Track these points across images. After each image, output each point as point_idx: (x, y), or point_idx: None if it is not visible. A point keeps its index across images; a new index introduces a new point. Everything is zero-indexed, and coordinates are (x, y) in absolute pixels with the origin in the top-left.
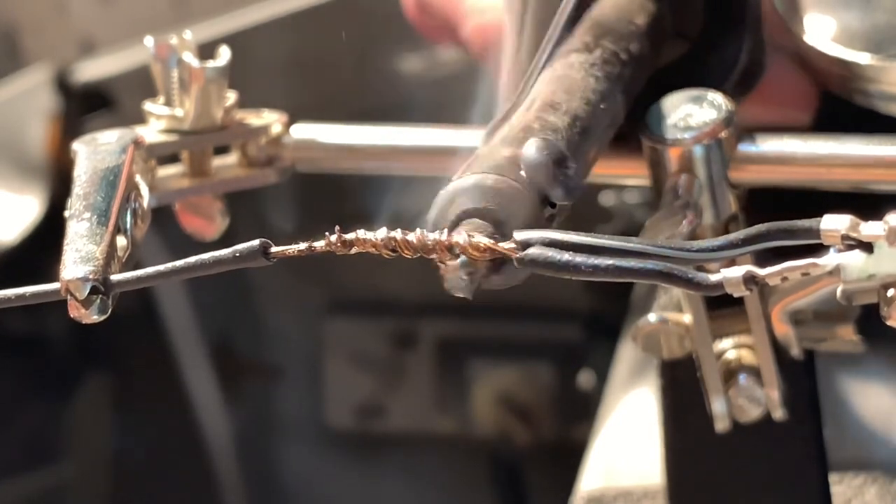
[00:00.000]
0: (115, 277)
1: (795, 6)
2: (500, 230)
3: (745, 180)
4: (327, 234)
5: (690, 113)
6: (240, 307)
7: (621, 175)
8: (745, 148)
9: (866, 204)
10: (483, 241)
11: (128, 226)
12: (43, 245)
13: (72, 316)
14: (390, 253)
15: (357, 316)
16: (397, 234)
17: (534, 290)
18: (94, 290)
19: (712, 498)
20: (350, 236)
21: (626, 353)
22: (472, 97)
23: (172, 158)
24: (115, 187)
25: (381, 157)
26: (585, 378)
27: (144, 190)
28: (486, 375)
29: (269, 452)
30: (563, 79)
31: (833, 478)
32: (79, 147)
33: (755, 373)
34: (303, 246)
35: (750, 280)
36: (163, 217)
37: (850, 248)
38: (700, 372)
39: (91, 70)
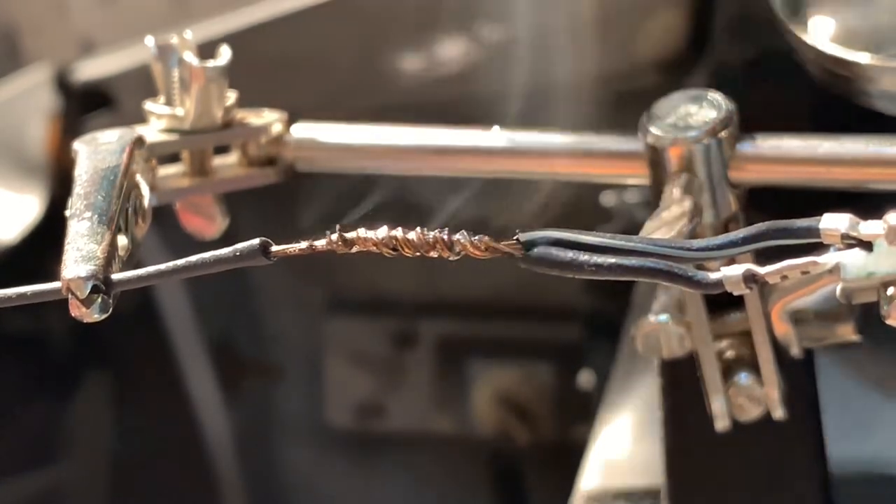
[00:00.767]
0: (115, 276)
1: (795, 6)
2: None
3: (745, 180)
4: (328, 232)
5: (690, 112)
6: (240, 306)
7: (621, 175)
8: (745, 148)
9: (865, 203)
10: (484, 239)
11: (128, 225)
12: (43, 245)
13: (73, 315)
14: (391, 252)
15: (357, 315)
16: (398, 232)
17: (534, 289)
18: (94, 290)
19: (712, 498)
20: (351, 235)
21: (626, 353)
22: (472, 97)
23: (173, 158)
24: (116, 187)
25: (380, 157)
26: (585, 378)
27: (145, 189)
28: (486, 375)
29: (269, 452)
30: None
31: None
32: (79, 146)
33: (755, 372)
34: (303, 245)
35: (750, 278)
36: (163, 216)
37: (850, 246)
38: (700, 371)
39: (91, 70)
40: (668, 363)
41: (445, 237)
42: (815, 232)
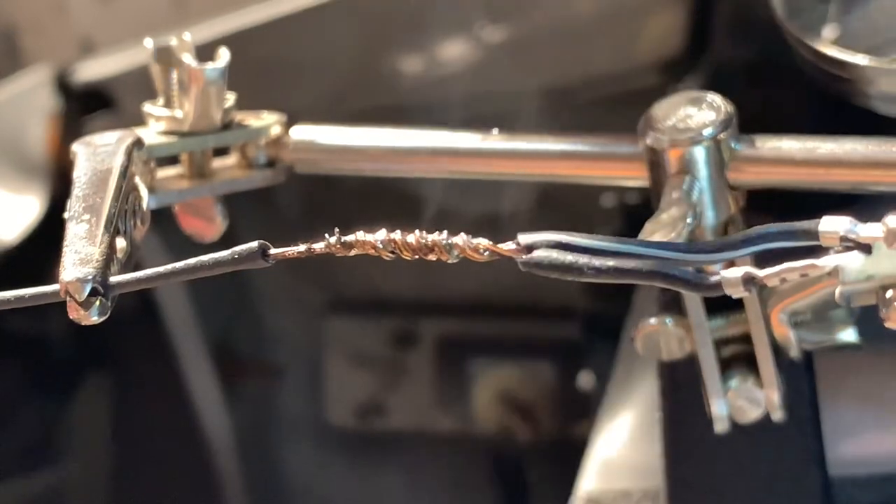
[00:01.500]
0: (114, 279)
1: (795, 7)
2: None
3: (744, 182)
4: (327, 235)
5: (689, 114)
6: (240, 306)
7: (621, 176)
8: (744, 149)
9: (865, 205)
10: (483, 242)
11: (127, 227)
12: (43, 245)
13: (71, 317)
14: (389, 254)
15: (357, 315)
16: (397, 235)
17: (534, 289)
18: (93, 292)
19: (712, 498)
20: (350, 238)
21: (626, 353)
22: (472, 98)
23: (172, 160)
24: (115, 189)
25: (380, 159)
26: (585, 378)
27: (144, 191)
28: (487, 374)
29: (270, 451)
30: None
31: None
32: (78, 148)
33: (755, 374)
34: (302, 248)
35: (749, 281)
36: (163, 218)
37: (849, 249)
38: (699, 373)
39: (91, 70)
40: (668, 365)
41: (444, 240)
42: (814, 234)
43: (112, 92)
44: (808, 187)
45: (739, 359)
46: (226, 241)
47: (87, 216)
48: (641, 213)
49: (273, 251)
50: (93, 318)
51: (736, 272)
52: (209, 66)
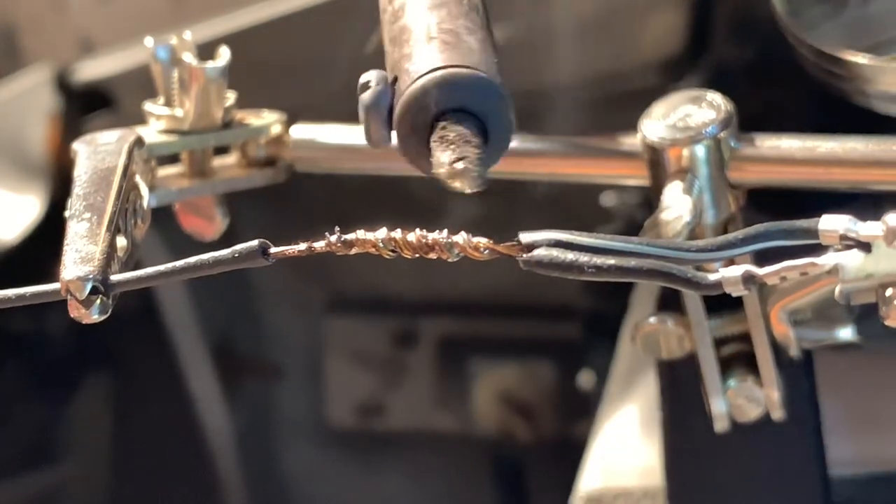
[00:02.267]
0: (114, 278)
1: (795, 6)
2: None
3: (744, 180)
4: (327, 234)
5: (689, 113)
6: (240, 306)
7: (621, 175)
8: (744, 148)
9: (864, 204)
10: (484, 241)
11: (128, 226)
12: (43, 245)
13: (72, 316)
14: (390, 253)
15: (357, 314)
16: (397, 233)
17: (534, 289)
18: (94, 291)
19: (712, 498)
20: (350, 236)
21: (626, 353)
22: None
23: (172, 158)
24: (115, 188)
25: (379, 158)
26: (585, 378)
27: (144, 190)
28: (487, 374)
29: (270, 451)
30: None
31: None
32: (79, 147)
33: (754, 373)
34: (302, 246)
35: (749, 279)
36: (163, 217)
37: (849, 247)
38: (699, 372)
39: (91, 70)
40: (668, 364)
41: (445, 239)
42: (813, 233)
43: (112, 91)
44: (807, 186)
45: (739, 357)
46: (226, 240)
47: (87, 215)
48: (641, 213)
49: (273, 250)
50: (93, 316)
51: (736, 271)
52: (210, 64)
